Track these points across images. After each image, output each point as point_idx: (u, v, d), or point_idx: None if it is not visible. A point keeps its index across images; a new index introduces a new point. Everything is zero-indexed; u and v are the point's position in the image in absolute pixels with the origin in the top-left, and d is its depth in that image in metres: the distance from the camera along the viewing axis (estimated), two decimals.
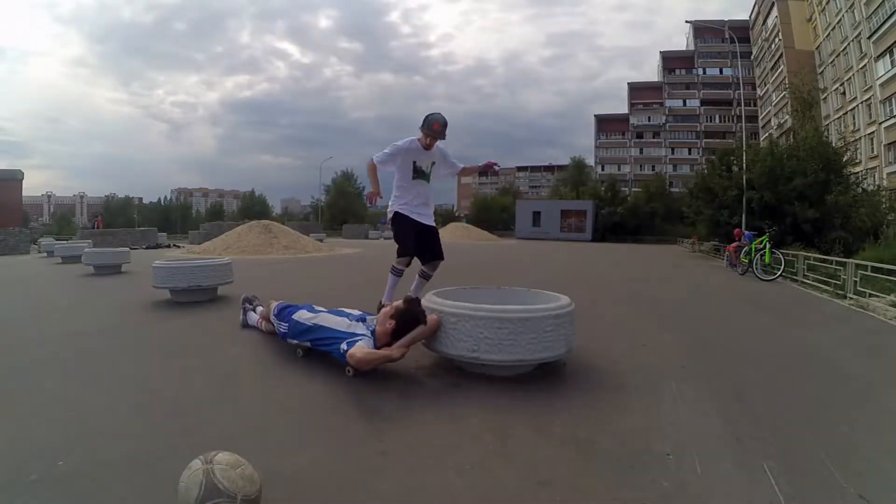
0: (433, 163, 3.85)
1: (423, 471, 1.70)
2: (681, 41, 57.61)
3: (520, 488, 1.59)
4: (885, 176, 24.68)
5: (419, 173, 3.79)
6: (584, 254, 18.23)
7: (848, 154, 15.65)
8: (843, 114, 30.67)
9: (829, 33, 32.69)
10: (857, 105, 28.78)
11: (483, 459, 1.78)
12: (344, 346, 2.59)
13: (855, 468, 1.73)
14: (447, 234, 29.84)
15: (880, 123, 26.06)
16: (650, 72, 60.03)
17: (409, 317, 2.66)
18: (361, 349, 2.53)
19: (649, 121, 56.08)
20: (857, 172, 16.66)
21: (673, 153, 54.63)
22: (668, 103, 55.06)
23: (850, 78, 29.72)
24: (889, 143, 25.56)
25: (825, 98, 32.66)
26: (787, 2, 38.21)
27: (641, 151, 56.12)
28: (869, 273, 6.41)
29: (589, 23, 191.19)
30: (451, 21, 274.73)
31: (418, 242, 3.80)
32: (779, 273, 8.72)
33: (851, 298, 6.31)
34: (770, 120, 41.83)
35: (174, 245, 21.62)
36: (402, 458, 1.79)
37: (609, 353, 3.32)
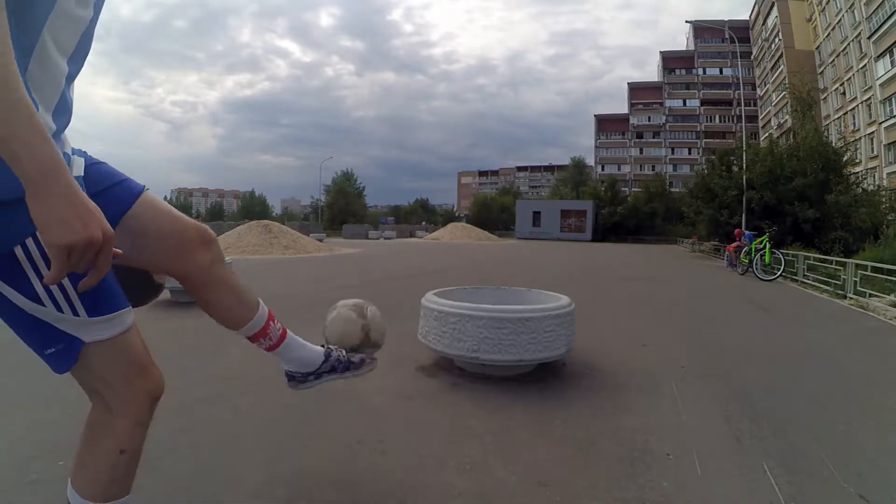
0: None
1: (423, 471, 1.70)
2: (685, 40, 57.57)
3: (520, 488, 1.59)
4: (885, 176, 24.69)
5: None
6: (585, 254, 18.22)
7: (848, 154, 15.66)
8: (843, 114, 30.67)
9: (829, 33, 32.70)
10: (857, 105, 28.78)
11: (483, 459, 1.78)
12: None
13: (855, 468, 1.73)
14: (447, 235, 29.80)
15: (880, 123, 26.05)
16: (654, 71, 59.98)
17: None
18: None
19: (649, 121, 56.12)
20: (857, 172, 16.69)
21: (673, 153, 54.67)
22: (668, 103, 55.10)
23: (850, 78, 29.72)
24: (889, 143, 25.56)
25: (825, 98, 32.66)
26: (787, 2, 38.23)
27: (641, 151, 56.15)
28: (869, 273, 6.42)
29: (593, 21, 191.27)
30: (453, 19, 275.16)
31: None
32: (779, 273, 8.72)
33: (851, 298, 6.31)
34: (770, 120, 41.84)
35: None
36: (402, 458, 1.79)
37: (609, 353, 3.32)
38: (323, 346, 1.41)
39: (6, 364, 2.95)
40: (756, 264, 9.40)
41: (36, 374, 2.78)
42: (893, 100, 25.08)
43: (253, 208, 60.38)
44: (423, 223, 49.18)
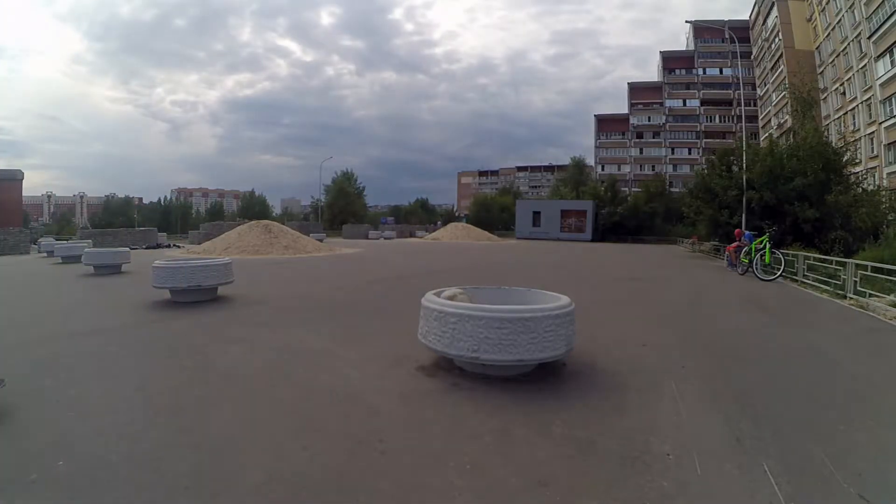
0: None
1: (423, 471, 1.70)
2: (686, 41, 57.59)
3: (520, 488, 1.59)
4: (885, 176, 24.68)
5: None
6: (584, 254, 18.21)
7: (848, 154, 15.65)
8: (843, 114, 30.65)
9: (829, 33, 32.69)
10: (857, 105, 28.77)
11: (483, 459, 1.78)
12: None
13: (855, 468, 1.73)
14: (447, 235, 29.81)
15: (880, 123, 26.04)
16: (655, 71, 59.93)
17: None
18: None
19: (649, 121, 56.06)
20: (857, 172, 16.67)
21: (673, 153, 54.62)
22: (668, 103, 55.06)
23: (850, 78, 29.71)
24: (889, 143, 25.54)
25: (825, 98, 32.64)
26: (787, 2, 38.21)
27: (641, 151, 56.10)
28: (869, 273, 6.41)
29: (595, 21, 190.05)
30: (455, 19, 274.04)
31: None
32: (779, 273, 8.71)
33: (851, 298, 6.30)
34: (770, 120, 41.81)
35: (174, 245, 21.62)
36: (402, 458, 1.79)
37: (609, 353, 3.32)
38: None
39: (7, 365, 2.95)
40: (756, 264, 9.40)
41: (36, 375, 2.78)
42: (893, 100, 25.06)
43: (253, 208, 60.39)
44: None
